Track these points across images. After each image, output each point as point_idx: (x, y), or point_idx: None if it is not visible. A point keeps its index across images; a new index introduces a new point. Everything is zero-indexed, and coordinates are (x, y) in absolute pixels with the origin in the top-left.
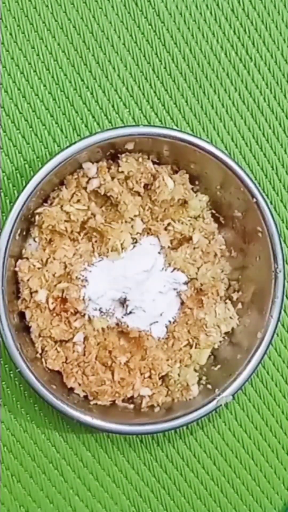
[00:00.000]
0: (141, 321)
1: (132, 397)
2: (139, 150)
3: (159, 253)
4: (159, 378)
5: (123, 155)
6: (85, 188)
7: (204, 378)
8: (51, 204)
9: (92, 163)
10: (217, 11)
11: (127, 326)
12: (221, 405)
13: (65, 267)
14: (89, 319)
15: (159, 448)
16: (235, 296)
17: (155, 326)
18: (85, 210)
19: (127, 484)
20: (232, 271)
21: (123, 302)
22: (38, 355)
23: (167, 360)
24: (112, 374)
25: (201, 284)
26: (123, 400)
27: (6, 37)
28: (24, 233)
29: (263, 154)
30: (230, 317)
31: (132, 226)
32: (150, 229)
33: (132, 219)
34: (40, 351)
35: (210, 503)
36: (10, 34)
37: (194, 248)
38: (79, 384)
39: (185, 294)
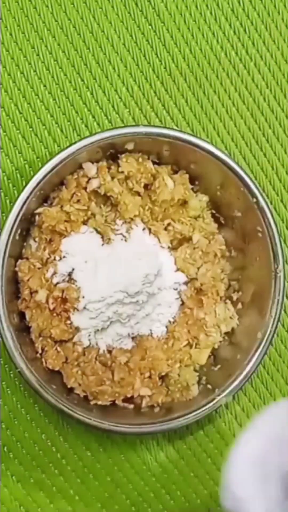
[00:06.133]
0: (141, 325)
1: (132, 397)
2: (139, 150)
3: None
4: (159, 378)
5: (123, 155)
6: (85, 188)
7: (204, 378)
8: (51, 204)
9: (92, 163)
10: (217, 11)
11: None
12: (221, 405)
13: None
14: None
15: (159, 448)
16: (235, 296)
17: (155, 326)
18: (85, 210)
19: (127, 484)
20: (232, 271)
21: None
22: (38, 355)
23: (167, 360)
24: (112, 374)
25: (201, 284)
26: (123, 400)
27: (6, 37)
28: (24, 233)
29: (263, 154)
30: (230, 317)
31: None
32: (150, 229)
33: (132, 219)
34: (40, 351)
35: (210, 503)
36: (10, 34)
37: (194, 248)
38: (79, 384)
39: (185, 294)
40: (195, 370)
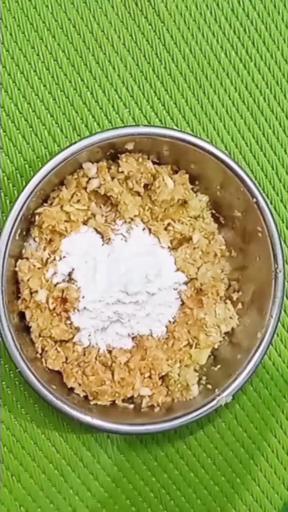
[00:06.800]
0: (141, 325)
1: (132, 397)
2: (139, 150)
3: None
4: (159, 378)
5: (123, 155)
6: (85, 188)
7: (204, 378)
8: (51, 204)
9: (92, 163)
10: (217, 11)
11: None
12: (221, 405)
13: None
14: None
15: (159, 448)
16: (235, 296)
17: (155, 326)
18: (85, 210)
19: (127, 484)
20: (232, 271)
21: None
22: (38, 355)
23: (167, 360)
24: (112, 374)
25: (201, 284)
26: (123, 400)
27: (6, 37)
28: (24, 233)
29: (263, 154)
30: (230, 317)
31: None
32: (150, 229)
33: (132, 219)
34: (40, 351)
35: (210, 503)
36: (10, 34)
37: (194, 248)
38: (79, 384)
39: (185, 294)
40: (195, 370)
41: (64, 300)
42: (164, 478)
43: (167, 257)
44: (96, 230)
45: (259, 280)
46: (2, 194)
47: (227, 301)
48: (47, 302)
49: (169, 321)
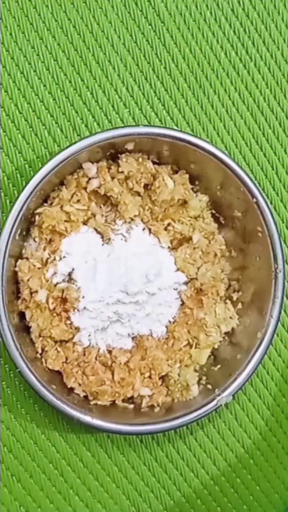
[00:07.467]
0: (141, 325)
1: (132, 397)
2: (139, 150)
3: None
4: (159, 378)
5: (123, 155)
6: (85, 188)
7: (204, 378)
8: (51, 204)
9: (92, 163)
10: (217, 11)
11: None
12: (221, 405)
13: None
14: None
15: (159, 448)
16: (235, 296)
17: (155, 326)
18: (85, 210)
19: (127, 484)
20: (232, 271)
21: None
22: (38, 355)
23: (167, 360)
24: (112, 374)
25: (201, 284)
26: (123, 400)
27: (6, 37)
28: (24, 233)
29: (263, 154)
30: (230, 317)
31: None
32: (150, 229)
33: (132, 219)
34: (40, 351)
35: (210, 503)
36: (10, 34)
37: (194, 248)
38: (79, 384)
39: (185, 294)
40: (195, 370)
41: (64, 300)
42: (164, 478)
43: (167, 257)
44: (96, 230)
45: (259, 280)
46: (2, 194)
47: (227, 301)
48: (47, 302)
49: (169, 321)
